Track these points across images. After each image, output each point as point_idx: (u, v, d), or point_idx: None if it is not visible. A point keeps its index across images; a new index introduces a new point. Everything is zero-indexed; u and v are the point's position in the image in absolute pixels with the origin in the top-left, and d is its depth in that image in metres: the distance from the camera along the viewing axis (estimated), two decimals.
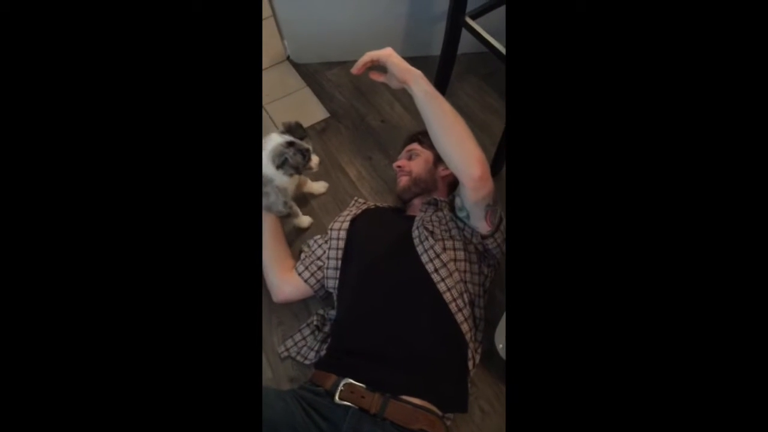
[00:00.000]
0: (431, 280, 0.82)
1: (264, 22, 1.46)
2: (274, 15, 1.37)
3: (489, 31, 1.00)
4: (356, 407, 0.72)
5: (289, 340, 0.99)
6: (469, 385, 0.87)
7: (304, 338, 0.98)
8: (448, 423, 0.80)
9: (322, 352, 0.93)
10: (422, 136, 1.07)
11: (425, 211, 0.92)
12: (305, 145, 0.95)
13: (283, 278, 0.99)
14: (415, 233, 0.87)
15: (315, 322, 0.98)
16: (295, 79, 1.45)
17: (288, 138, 0.93)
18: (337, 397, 0.73)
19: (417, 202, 1.03)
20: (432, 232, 0.86)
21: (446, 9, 1.09)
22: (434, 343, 0.79)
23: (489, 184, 0.80)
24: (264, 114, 1.37)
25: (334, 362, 0.82)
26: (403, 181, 1.04)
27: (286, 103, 1.40)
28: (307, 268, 0.98)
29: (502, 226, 0.89)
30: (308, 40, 1.42)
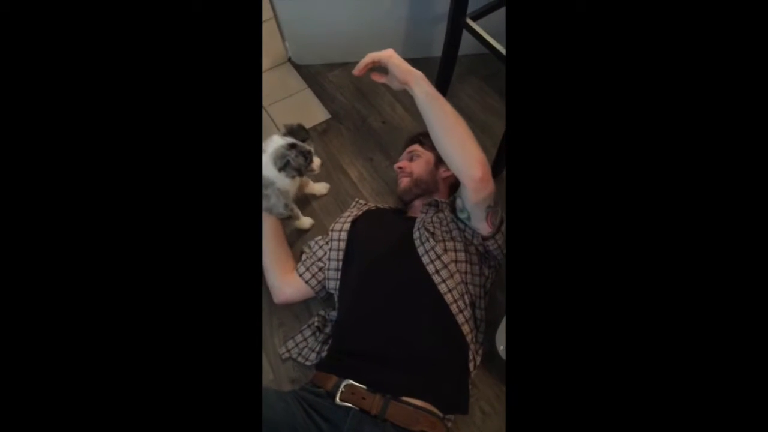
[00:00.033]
0: (432, 281, 0.82)
1: (265, 24, 1.47)
2: (276, 16, 1.38)
3: (490, 32, 1.01)
4: (357, 408, 0.72)
5: (290, 341, 0.99)
6: (470, 386, 0.87)
7: (305, 339, 0.98)
8: (449, 424, 0.80)
9: (323, 354, 0.93)
10: (423, 138, 1.07)
11: (426, 213, 0.92)
12: (307, 147, 0.95)
13: (284, 279, 0.99)
14: (416, 234, 0.87)
15: (316, 323, 0.98)
16: (296, 81, 1.46)
17: (290, 140, 0.93)
18: (338, 399, 0.73)
19: (418, 203, 1.03)
20: (433, 234, 0.86)
21: (447, 10, 1.09)
22: (435, 345, 0.79)
23: (490, 186, 0.80)
24: (265, 115, 1.38)
25: (335, 363, 0.82)
26: (404, 182, 1.05)
27: (287, 104, 1.41)
28: (308, 269, 0.98)
29: (503, 228, 0.89)
30: (309, 41, 1.43)
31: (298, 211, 1.07)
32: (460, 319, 0.82)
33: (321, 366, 0.86)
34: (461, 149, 0.77)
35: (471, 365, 0.84)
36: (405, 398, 0.73)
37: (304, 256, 1.02)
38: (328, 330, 0.97)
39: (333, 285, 0.95)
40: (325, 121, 1.36)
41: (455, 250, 0.86)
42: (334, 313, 0.97)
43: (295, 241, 1.13)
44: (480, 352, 0.89)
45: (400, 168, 1.07)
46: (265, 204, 0.97)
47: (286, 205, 0.99)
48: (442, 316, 0.81)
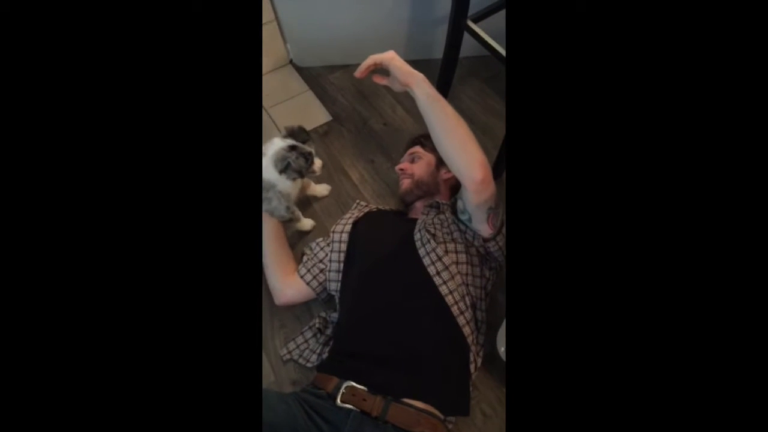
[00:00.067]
0: (433, 282, 0.82)
1: (267, 26, 1.47)
2: (277, 19, 1.38)
3: (491, 34, 1.01)
4: (358, 410, 0.72)
5: (292, 342, 0.99)
6: (471, 388, 0.87)
7: (306, 341, 0.98)
8: (450, 426, 0.80)
9: (324, 355, 0.93)
10: (424, 139, 1.08)
11: (427, 214, 0.93)
12: (308, 148, 0.95)
13: (286, 281, 0.99)
14: (417, 236, 0.87)
15: (317, 325, 0.98)
16: (297, 83, 1.46)
17: (290, 142, 0.93)
18: (338, 400, 0.73)
19: (419, 205, 1.03)
20: (434, 235, 0.86)
21: (448, 13, 1.09)
22: (436, 346, 0.79)
23: (491, 187, 0.80)
24: (267, 117, 1.38)
25: (336, 365, 0.82)
26: (406, 183, 1.05)
27: (288, 106, 1.41)
28: (309, 270, 0.98)
29: (504, 229, 0.89)
30: (311, 43, 1.43)
31: (299, 213, 1.07)
32: (461, 320, 0.82)
33: (322, 367, 0.86)
34: (462, 151, 0.77)
35: (472, 367, 0.84)
36: (406, 400, 0.73)
37: (305, 258, 1.03)
38: (329, 331, 0.97)
39: (334, 286, 0.96)
40: (327, 123, 1.36)
41: (456, 252, 0.86)
42: (335, 315, 0.97)
43: (297, 242, 1.13)
44: (481, 353, 0.89)
45: (401, 170, 1.07)
46: (266, 207, 0.97)
47: (288, 208, 0.99)
48: (443, 318, 0.81)
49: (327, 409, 0.73)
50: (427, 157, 1.05)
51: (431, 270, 0.83)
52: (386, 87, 0.84)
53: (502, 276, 0.98)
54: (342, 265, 0.95)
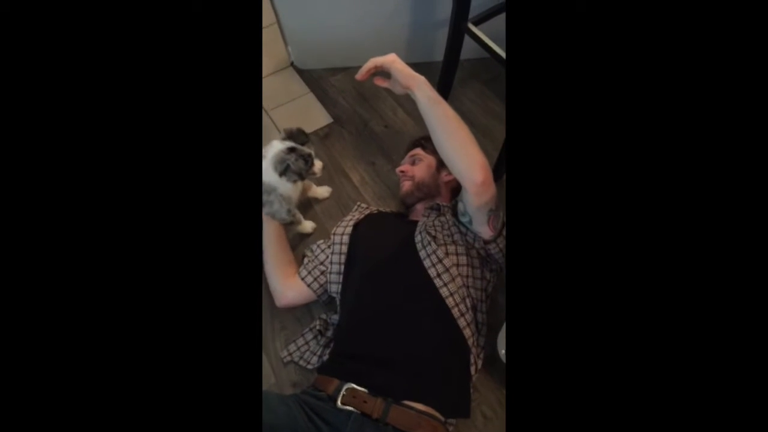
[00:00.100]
0: (433, 285, 0.82)
1: (268, 29, 1.48)
2: (278, 21, 1.39)
3: (491, 36, 1.01)
4: (358, 412, 0.72)
5: (292, 344, 0.99)
6: (472, 390, 0.87)
7: (306, 343, 0.98)
8: (451, 429, 0.80)
9: (325, 357, 0.93)
10: (425, 142, 1.08)
11: (428, 216, 0.93)
12: (307, 150, 0.95)
13: (286, 283, 0.99)
14: (417, 238, 0.87)
15: (318, 327, 0.98)
16: (298, 85, 1.47)
17: (289, 144, 0.93)
18: (339, 402, 0.73)
19: (420, 207, 1.03)
20: (434, 237, 0.86)
21: (449, 16, 1.09)
22: (437, 348, 0.79)
23: (491, 190, 0.80)
24: (268, 119, 1.38)
25: (336, 367, 0.82)
26: (406, 186, 1.05)
27: (289, 108, 1.41)
28: (310, 272, 0.99)
29: (505, 231, 0.89)
30: (312, 46, 1.44)
31: (300, 216, 1.07)
32: (461, 322, 0.82)
33: (323, 369, 0.86)
34: (463, 153, 0.78)
35: (472, 369, 0.84)
36: (406, 402, 0.73)
37: (306, 260, 1.03)
38: (329, 333, 0.97)
39: (335, 288, 0.96)
40: (328, 125, 1.37)
41: (457, 254, 0.86)
42: (335, 317, 0.97)
43: (297, 244, 1.13)
44: (481, 356, 0.88)
45: (402, 172, 1.07)
46: (268, 210, 0.97)
47: (289, 211, 0.99)
48: (443, 320, 0.81)
49: (327, 411, 0.73)
50: (428, 160, 1.06)
51: (432, 272, 0.83)
52: (387, 89, 0.84)
53: (503, 278, 0.98)
54: (343, 267, 0.95)
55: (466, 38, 1.10)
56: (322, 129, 1.36)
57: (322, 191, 1.20)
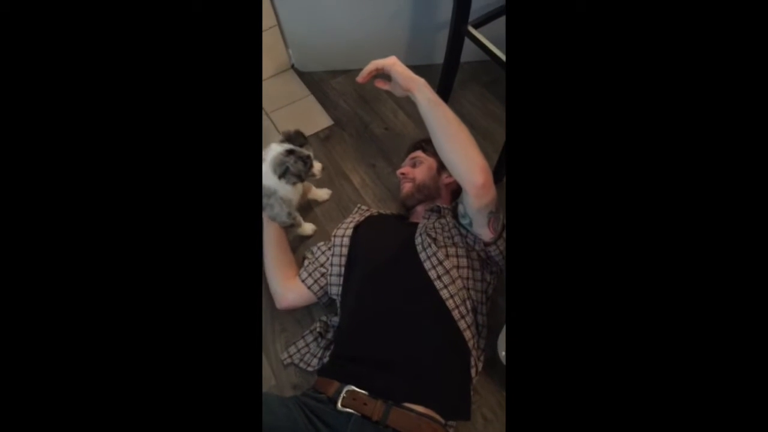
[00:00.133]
0: (434, 287, 0.82)
1: (268, 31, 1.48)
2: (279, 24, 1.39)
3: (491, 39, 1.01)
4: (359, 414, 0.72)
5: (292, 347, 0.99)
6: (472, 392, 0.86)
7: (307, 345, 0.98)
8: (451, 431, 0.80)
9: (325, 359, 0.93)
10: (426, 144, 1.08)
11: (428, 218, 0.93)
12: (305, 152, 0.95)
13: (287, 285, 0.99)
14: (417, 240, 0.87)
15: (318, 329, 0.98)
16: (299, 88, 1.47)
17: (288, 146, 0.93)
18: (339, 404, 0.73)
19: (420, 209, 1.03)
20: (435, 239, 0.86)
21: (449, 18, 1.10)
22: (437, 351, 0.79)
23: (492, 192, 0.80)
24: (268, 122, 1.39)
25: (336, 369, 0.82)
26: (407, 188, 1.05)
27: (290, 111, 1.42)
28: (310, 275, 0.99)
29: (505, 234, 0.89)
30: (313, 48, 1.44)
31: (300, 219, 1.07)
32: (461, 324, 0.82)
33: (323, 371, 0.86)
34: (463, 155, 0.78)
35: (473, 371, 0.84)
36: (407, 404, 0.73)
37: (306, 262, 1.03)
38: (330, 335, 0.97)
39: (335, 290, 0.96)
40: (328, 128, 1.37)
41: (457, 256, 0.86)
42: (336, 319, 0.97)
43: (298, 246, 1.13)
44: (482, 358, 0.88)
45: (402, 174, 1.07)
46: (268, 213, 0.97)
47: (289, 214, 0.99)
48: (443, 322, 0.81)
49: (328, 414, 0.73)
50: (428, 162, 1.06)
51: (432, 274, 0.83)
52: (388, 92, 0.84)
53: (503, 280, 0.98)
54: (343, 269, 0.96)
55: (467, 41, 1.10)
56: (322, 131, 1.36)
57: (322, 193, 1.20)
